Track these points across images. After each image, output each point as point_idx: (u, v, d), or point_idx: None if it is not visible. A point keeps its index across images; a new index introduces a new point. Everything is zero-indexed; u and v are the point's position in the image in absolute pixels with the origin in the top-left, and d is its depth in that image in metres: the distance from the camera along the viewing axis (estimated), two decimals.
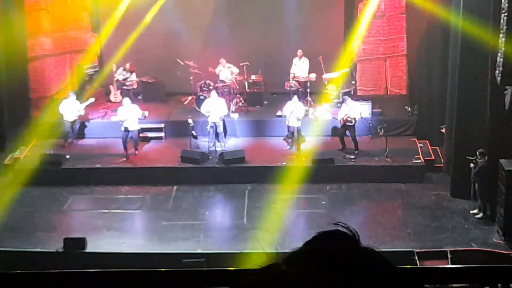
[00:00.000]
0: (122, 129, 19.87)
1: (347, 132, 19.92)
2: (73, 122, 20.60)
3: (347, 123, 19.79)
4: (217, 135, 20.17)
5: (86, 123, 21.31)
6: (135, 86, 22.24)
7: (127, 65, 22.07)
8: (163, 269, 4.23)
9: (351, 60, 22.46)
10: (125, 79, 22.08)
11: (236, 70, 21.90)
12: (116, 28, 22.77)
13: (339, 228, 1.80)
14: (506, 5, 15.66)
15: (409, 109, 21.58)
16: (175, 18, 22.42)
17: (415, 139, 20.70)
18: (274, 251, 15.46)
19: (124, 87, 22.11)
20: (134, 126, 20.00)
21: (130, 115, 19.92)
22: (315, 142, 20.61)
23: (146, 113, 21.17)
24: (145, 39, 22.55)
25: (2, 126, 21.27)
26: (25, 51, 22.39)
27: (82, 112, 20.61)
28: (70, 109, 20.44)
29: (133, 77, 22.11)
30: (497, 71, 16.48)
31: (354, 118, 19.74)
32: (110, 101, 22.31)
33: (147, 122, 21.16)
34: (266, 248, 16.06)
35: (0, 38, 20.89)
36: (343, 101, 20.34)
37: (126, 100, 20.34)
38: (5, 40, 21.09)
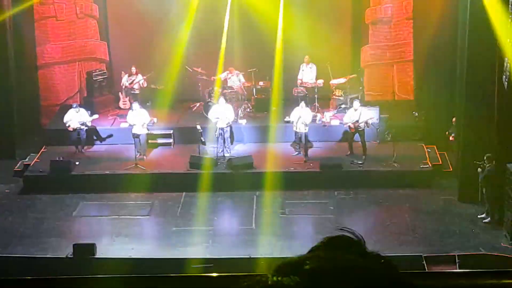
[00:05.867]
0: (132, 133, 20.07)
1: (357, 137, 19.94)
2: (79, 132, 20.61)
3: (358, 128, 19.82)
4: (225, 141, 20.23)
5: (97, 129, 21.37)
6: (144, 85, 22.19)
7: (133, 69, 22.09)
8: (172, 275, 4.30)
9: (359, 66, 22.56)
10: (131, 83, 22.11)
11: (242, 79, 21.96)
12: (125, 36, 22.89)
13: (345, 233, 1.83)
14: None
15: (417, 114, 21.57)
16: (183, 25, 22.45)
17: (423, 144, 20.70)
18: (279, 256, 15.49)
19: (132, 92, 22.14)
20: (141, 130, 20.12)
21: (138, 120, 20.05)
22: (322, 147, 20.66)
23: (155, 120, 21.26)
24: (153, 46, 22.64)
25: (12, 133, 21.41)
26: (34, 59, 22.54)
27: (89, 124, 20.62)
28: (74, 119, 20.46)
29: (139, 77, 22.09)
30: (504, 76, 16.51)
31: (366, 123, 19.73)
32: (119, 108, 22.37)
33: (156, 128, 21.24)
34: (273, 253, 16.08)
35: (10, 46, 21.04)
36: (351, 104, 20.38)
37: (135, 105, 20.50)
38: (14, 48, 21.24)
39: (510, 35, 16.14)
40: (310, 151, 20.26)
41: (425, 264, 15.23)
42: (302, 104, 20.26)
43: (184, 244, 16.73)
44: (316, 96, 21.64)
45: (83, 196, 19.13)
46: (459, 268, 14.98)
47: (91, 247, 16.07)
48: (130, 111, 20.61)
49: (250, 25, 22.31)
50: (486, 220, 17.37)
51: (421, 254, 15.65)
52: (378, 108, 21.14)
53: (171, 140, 21.29)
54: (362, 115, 19.86)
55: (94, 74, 22.44)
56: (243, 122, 21.38)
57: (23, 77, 22.02)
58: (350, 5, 22.72)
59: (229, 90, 21.77)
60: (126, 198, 19.05)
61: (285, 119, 21.08)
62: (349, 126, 19.98)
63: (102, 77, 22.60)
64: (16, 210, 18.57)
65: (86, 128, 20.61)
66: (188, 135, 20.89)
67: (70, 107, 20.85)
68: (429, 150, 20.40)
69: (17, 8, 21.09)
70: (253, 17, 22.27)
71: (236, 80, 21.99)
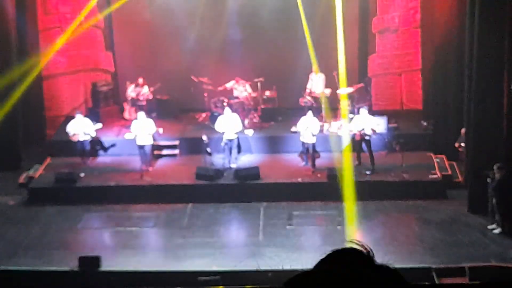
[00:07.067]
0: (137, 144, 19.97)
1: (364, 147, 19.83)
2: (82, 143, 20.49)
3: (364, 137, 19.71)
4: (231, 151, 20.15)
5: (102, 141, 21.30)
6: (150, 97, 22.13)
7: (140, 80, 22.04)
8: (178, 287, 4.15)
9: (366, 75, 22.48)
10: (137, 95, 22.06)
11: (249, 89, 21.88)
12: (130, 46, 22.89)
13: (354, 245, 1.80)
14: None
15: (425, 123, 21.46)
16: (189, 35, 22.47)
17: (432, 154, 20.57)
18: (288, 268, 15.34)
19: (138, 103, 22.08)
20: (146, 141, 20.01)
21: (142, 130, 19.95)
22: (330, 158, 20.54)
23: (161, 130, 21.17)
24: (159, 56, 22.64)
25: (16, 144, 21.40)
26: (40, 70, 22.50)
27: (93, 134, 20.51)
28: (78, 129, 20.37)
29: (145, 89, 22.04)
30: None
31: (373, 131, 19.60)
32: (124, 119, 22.32)
33: (162, 139, 21.16)
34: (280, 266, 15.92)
35: (14, 57, 21.02)
36: (358, 112, 20.29)
37: (141, 114, 20.38)
38: (19, 59, 21.22)
39: None
40: (317, 161, 20.16)
41: (435, 276, 15.09)
42: (309, 114, 20.17)
43: (190, 255, 16.62)
44: (323, 105, 21.54)
45: (88, 207, 19.07)
46: (470, 280, 14.85)
47: (97, 260, 15.99)
48: (135, 121, 20.52)
49: (255, 34, 22.30)
50: (496, 231, 17.22)
51: (430, 266, 15.51)
52: (386, 118, 21.05)
53: (176, 151, 21.23)
54: (368, 123, 19.76)
55: (99, 84, 22.43)
56: (249, 132, 21.29)
57: (28, 88, 21.96)
58: (357, 14, 22.65)
59: (235, 100, 21.68)
60: (132, 209, 18.99)
61: (292, 129, 20.99)
62: (354, 134, 19.89)
63: (107, 87, 22.59)
64: (21, 221, 18.51)
65: (91, 139, 20.51)
66: (194, 146, 20.82)
67: (74, 118, 20.79)
68: (438, 160, 20.29)
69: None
70: (259, 26, 22.27)
71: (242, 90, 21.90)
